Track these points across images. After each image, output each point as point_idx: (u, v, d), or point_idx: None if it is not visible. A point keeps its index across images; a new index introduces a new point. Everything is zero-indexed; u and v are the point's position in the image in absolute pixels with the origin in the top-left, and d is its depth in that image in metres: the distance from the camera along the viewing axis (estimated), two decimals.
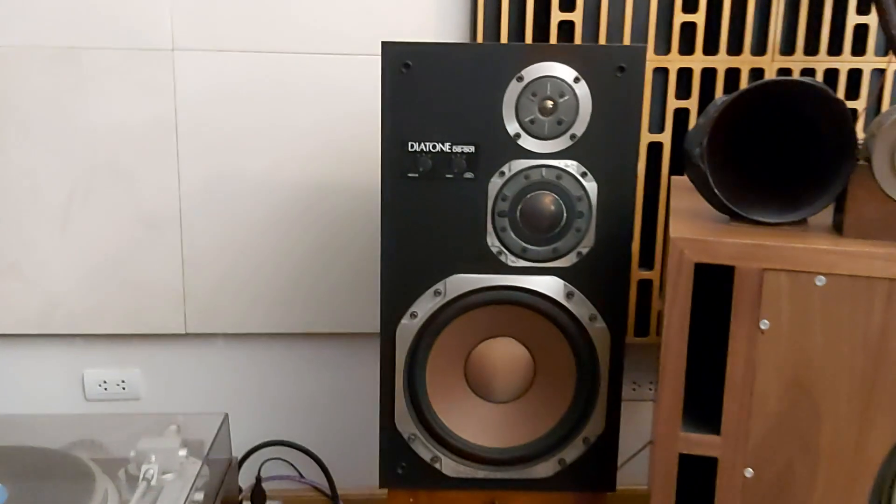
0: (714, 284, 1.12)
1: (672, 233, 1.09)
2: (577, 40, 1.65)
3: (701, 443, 1.13)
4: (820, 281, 1.04)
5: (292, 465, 1.94)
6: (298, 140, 1.76)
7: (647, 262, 1.78)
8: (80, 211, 1.77)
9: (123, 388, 1.91)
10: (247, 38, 1.71)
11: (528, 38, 1.66)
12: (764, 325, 1.06)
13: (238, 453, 1.85)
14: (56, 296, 1.80)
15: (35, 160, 1.74)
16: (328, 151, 1.77)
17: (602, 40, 1.65)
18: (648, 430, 1.90)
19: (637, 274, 1.76)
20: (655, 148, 1.72)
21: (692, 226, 1.13)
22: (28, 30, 1.69)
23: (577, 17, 1.65)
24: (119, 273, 1.80)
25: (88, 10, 1.69)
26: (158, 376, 1.91)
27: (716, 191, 1.11)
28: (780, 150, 1.16)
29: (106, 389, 1.90)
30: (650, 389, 1.94)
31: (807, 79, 1.08)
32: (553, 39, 1.65)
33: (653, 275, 1.77)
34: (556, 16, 1.65)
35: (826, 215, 1.14)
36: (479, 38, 1.67)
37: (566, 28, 1.66)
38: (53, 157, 1.74)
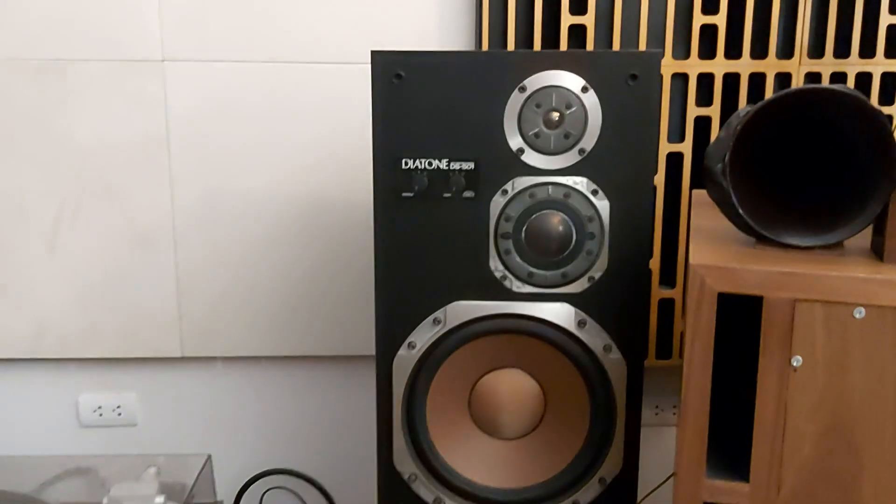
0: (740, 314, 1.02)
1: (692, 259, 0.99)
2: (590, 45, 1.57)
3: (727, 490, 1.04)
4: (859, 313, 0.95)
5: (295, 493, 1.89)
6: (295, 154, 1.71)
7: (668, 280, 1.70)
8: (70, 231, 1.73)
9: (119, 414, 1.87)
10: (240, 47, 1.66)
11: (537, 45, 1.58)
12: (796, 361, 0.98)
13: (239, 482, 1.85)
14: (46, 319, 1.77)
15: (21, 178, 1.70)
16: (327, 166, 1.71)
17: (616, 45, 1.57)
18: (672, 457, 1.81)
19: (658, 293, 1.68)
20: (675, 158, 1.64)
21: (714, 250, 1.04)
22: (10, 41, 1.64)
23: (588, 20, 1.56)
24: (111, 295, 1.76)
25: (73, 20, 1.64)
26: (155, 401, 1.87)
27: (740, 211, 1.02)
28: (810, 165, 1.07)
29: (101, 415, 1.87)
30: (673, 414, 1.84)
31: (840, 86, 0.98)
32: (563, 45, 1.57)
33: (675, 294, 1.68)
34: (567, 19, 1.56)
35: (864, 238, 1.05)
36: (485, 46, 1.58)
37: (577, 33, 1.58)
38: (40, 174, 1.70)
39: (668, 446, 1.85)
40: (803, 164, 1.07)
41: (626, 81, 1.18)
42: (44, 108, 1.66)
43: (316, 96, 1.67)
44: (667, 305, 1.70)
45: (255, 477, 1.86)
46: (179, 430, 1.86)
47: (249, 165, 1.70)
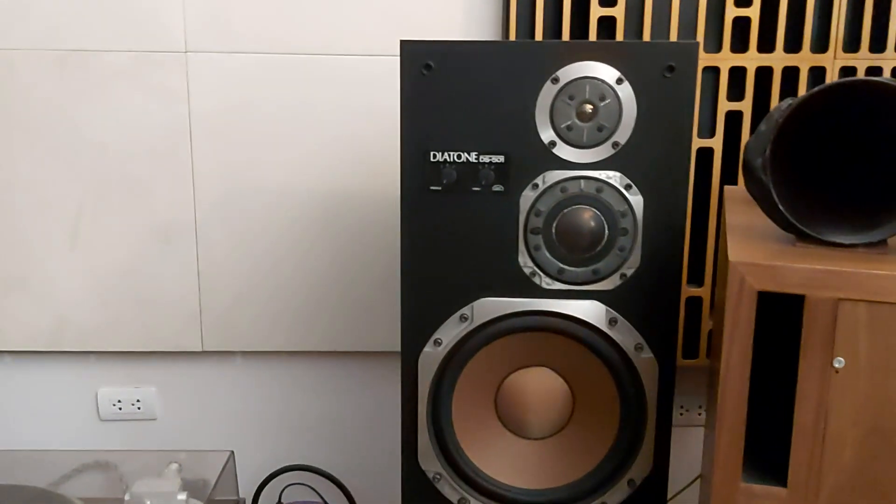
0: (779, 313, 0.99)
1: (731, 256, 0.96)
2: (619, 38, 1.53)
3: (764, 495, 1.01)
4: None
5: (315, 490, 1.86)
6: (320, 147, 1.69)
7: (696, 278, 1.67)
8: (91, 224, 1.72)
9: (139, 409, 1.86)
10: (264, 38, 1.64)
11: (565, 37, 1.55)
12: (839, 363, 0.94)
13: (258, 477, 1.82)
14: (67, 312, 1.76)
15: (42, 171, 1.69)
16: (352, 159, 1.69)
17: (646, 37, 1.54)
18: (698, 458, 1.78)
19: (686, 291, 1.65)
20: (705, 154, 1.60)
21: (753, 247, 1.01)
22: (31, 32, 1.63)
23: (618, 12, 1.53)
24: (132, 288, 1.75)
25: (95, 10, 1.63)
26: (175, 395, 1.86)
27: (780, 207, 0.99)
28: (853, 159, 1.04)
29: (121, 409, 1.86)
30: (699, 414, 1.81)
31: (886, 79, 0.94)
32: (592, 37, 1.54)
33: (702, 292, 1.65)
34: (596, 11, 1.53)
35: None
36: (512, 37, 1.55)
37: (607, 25, 1.55)
38: (61, 167, 1.69)
39: (693, 447, 1.83)
40: (845, 160, 1.04)
41: (662, 73, 1.15)
42: (65, 99, 1.65)
43: (341, 89, 1.65)
44: (694, 303, 1.67)
45: (274, 473, 1.83)
46: (199, 425, 1.86)
47: (273, 159, 1.69)
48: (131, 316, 1.76)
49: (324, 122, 1.67)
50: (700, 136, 1.59)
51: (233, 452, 1.25)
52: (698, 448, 1.81)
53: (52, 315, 1.75)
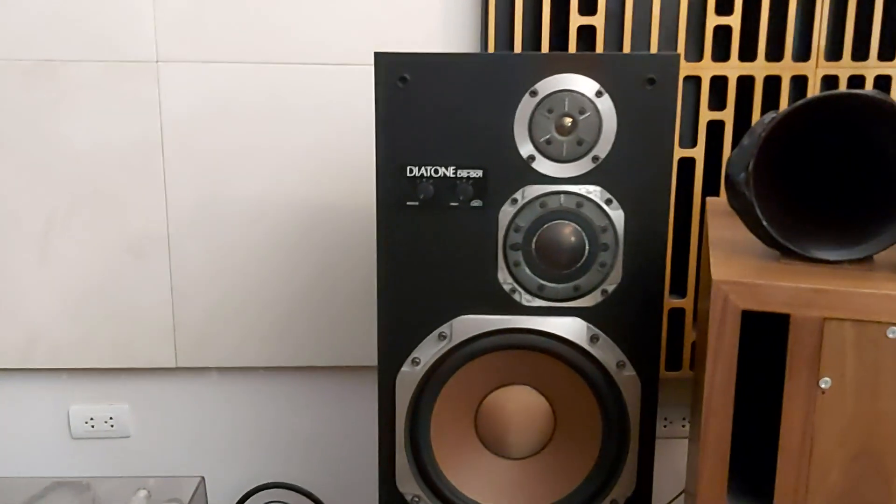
0: (764, 330, 0.97)
1: (714, 275, 0.94)
2: (599, 47, 1.52)
3: None
4: (892, 332, 0.90)
5: None
6: (295, 159, 1.66)
7: (678, 289, 1.66)
8: (61, 237, 1.69)
9: (112, 426, 1.83)
10: (236, 47, 1.62)
11: (545, 47, 1.53)
12: (825, 383, 0.93)
13: (235, 495, 1.82)
14: (37, 328, 1.73)
15: (11, 183, 1.66)
16: (328, 171, 1.67)
17: (626, 46, 1.52)
18: (681, 471, 1.77)
19: (668, 302, 1.63)
20: (687, 164, 1.59)
21: (736, 264, 0.99)
22: (0, 42, 1.59)
23: (598, 21, 1.51)
24: (104, 303, 1.72)
25: (65, 20, 1.59)
26: (149, 413, 1.83)
27: (764, 222, 0.97)
28: (838, 174, 1.02)
29: (93, 427, 1.83)
30: (683, 426, 1.79)
31: (872, 91, 0.92)
32: (572, 46, 1.52)
33: (685, 303, 1.63)
34: (576, 20, 1.51)
35: (895, 252, 0.99)
36: (491, 47, 1.53)
37: (586, 34, 1.54)
38: (31, 179, 1.66)
39: (677, 459, 1.81)
40: (829, 174, 1.02)
41: (642, 86, 1.13)
42: (35, 110, 1.62)
43: (316, 99, 1.63)
44: (677, 315, 1.65)
45: (251, 491, 1.81)
46: (173, 443, 1.82)
47: (246, 170, 1.66)
48: (104, 331, 1.73)
49: (299, 133, 1.64)
50: (682, 145, 1.58)
51: (203, 478, 1.22)
52: (682, 461, 1.80)
53: (23, 331, 1.72)
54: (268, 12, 1.60)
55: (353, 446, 1.83)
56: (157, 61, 1.60)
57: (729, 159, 1.04)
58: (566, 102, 1.15)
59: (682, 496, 1.68)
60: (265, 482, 1.81)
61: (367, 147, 1.61)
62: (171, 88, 1.62)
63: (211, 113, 1.63)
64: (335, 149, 1.65)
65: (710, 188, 1.59)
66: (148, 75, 1.61)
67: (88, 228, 1.67)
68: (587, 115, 1.15)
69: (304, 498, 1.82)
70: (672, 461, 1.80)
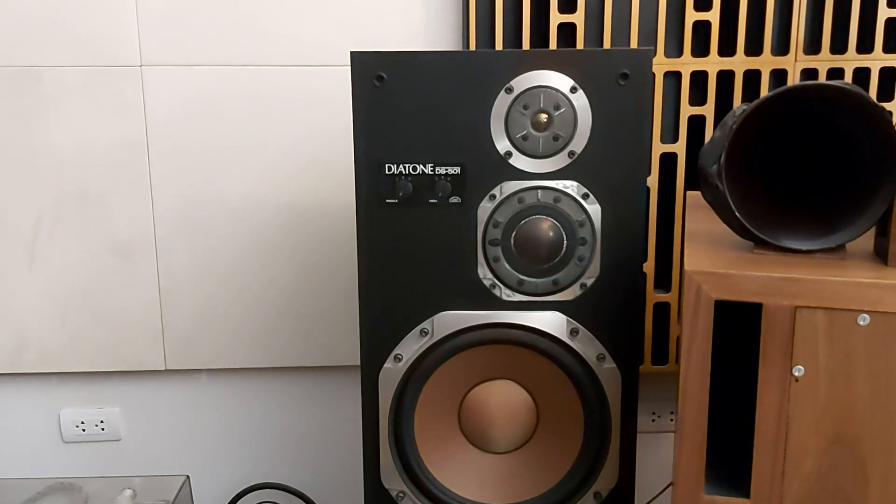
0: (739, 320, 0.98)
1: (687, 265, 0.95)
2: (580, 44, 1.52)
3: None
4: (863, 320, 0.91)
5: None
6: (278, 159, 1.67)
7: (663, 283, 1.66)
8: (48, 241, 1.69)
9: (102, 429, 1.83)
10: (219, 51, 1.62)
11: (526, 44, 1.54)
12: (798, 371, 0.94)
13: (225, 496, 1.82)
14: (26, 332, 1.73)
15: None
16: (311, 171, 1.67)
17: (607, 43, 1.53)
18: (670, 464, 1.77)
19: (653, 297, 1.64)
20: (669, 159, 1.59)
21: (710, 255, 1.00)
22: None
23: (578, 18, 1.52)
24: (92, 306, 1.72)
25: (49, 25, 1.60)
26: (139, 415, 1.83)
27: (737, 213, 0.98)
28: (810, 165, 1.03)
29: (84, 430, 1.83)
30: (671, 420, 1.80)
31: (841, 82, 0.94)
32: (553, 44, 1.53)
33: (670, 297, 1.64)
34: (556, 18, 1.52)
35: (867, 240, 1.01)
36: (472, 45, 1.54)
37: (567, 31, 1.54)
38: (17, 183, 1.66)
39: (666, 453, 1.82)
40: (802, 165, 1.03)
41: (616, 81, 1.14)
42: (20, 115, 1.63)
43: (298, 100, 1.63)
44: (662, 309, 1.66)
45: (242, 492, 1.81)
46: (164, 445, 1.82)
47: (230, 171, 1.66)
48: (92, 335, 1.73)
49: (281, 134, 1.65)
50: (663, 141, 1.58)
51: (188, 477, 1.23)
52: (670, 454, 1.80)
53: (11, 336, 1.72)
54: (250, 16, 1.60)
55: (340, 445, 1.83)
56: (140, 65, 1.61)
57: (701, 151, 1.05)
58: (541, 99, 1.16)
59: (671, 489, 1.69)
60: (256, 482, 1.81)
61: (346, 147, 1.62)
62: (155, 91, 1.62)
63: (194, 115, 1.63)
64: (316, 149, 1.66)
65: (693, 182, 1.59)
66: (132, 79, 1.61)
67: (75, 232, 1.68)
68: (562, 110, 1.16)
69: (293, 497, 1.81)
70: (660, 455, 1.81)
